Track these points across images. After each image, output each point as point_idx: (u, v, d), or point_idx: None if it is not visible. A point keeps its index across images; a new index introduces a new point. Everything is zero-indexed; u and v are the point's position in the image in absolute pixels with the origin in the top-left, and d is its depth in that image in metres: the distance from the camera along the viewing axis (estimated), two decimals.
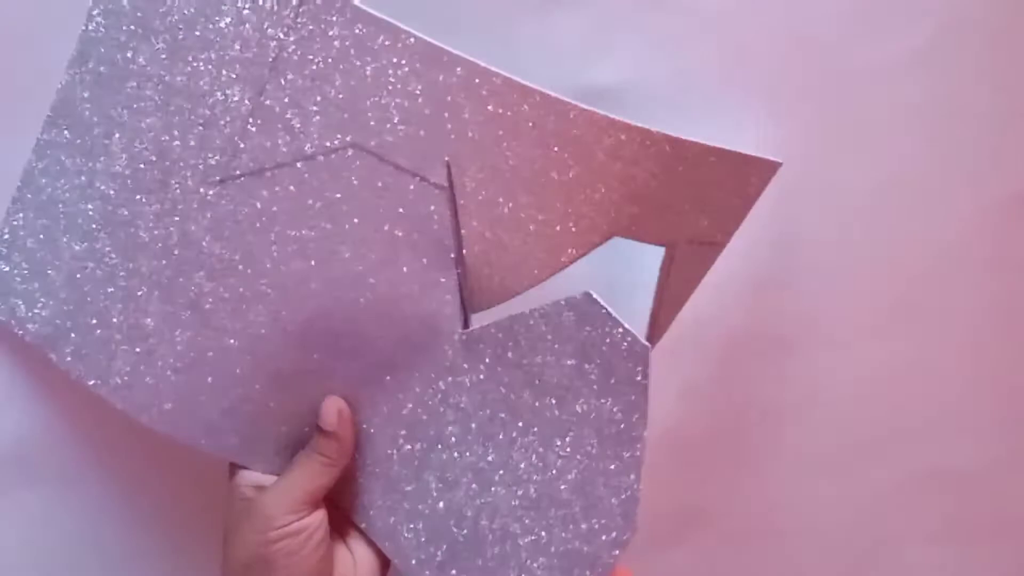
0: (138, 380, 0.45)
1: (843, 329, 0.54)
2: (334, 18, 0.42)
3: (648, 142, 0.44)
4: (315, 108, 0.43)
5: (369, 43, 0.42)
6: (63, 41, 0.44)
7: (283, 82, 0.43)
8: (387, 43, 0.42)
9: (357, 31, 0.42)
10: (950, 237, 0.54)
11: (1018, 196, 0.53)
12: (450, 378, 0.45)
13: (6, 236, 0.45)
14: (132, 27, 0.43)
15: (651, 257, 0.47)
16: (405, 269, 0.44)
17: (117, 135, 0.44)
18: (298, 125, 0.43)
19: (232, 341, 0.45)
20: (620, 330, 0.43)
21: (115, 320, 0.45)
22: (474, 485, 0.45)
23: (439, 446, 0.45)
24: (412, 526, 0.46)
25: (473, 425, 0.45)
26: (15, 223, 0.45)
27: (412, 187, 0.44)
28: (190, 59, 0.43)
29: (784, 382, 0.55)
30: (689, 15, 0.48)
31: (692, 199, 0.46)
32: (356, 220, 0.44)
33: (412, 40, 0.42)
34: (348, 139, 0.43)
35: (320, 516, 0.44)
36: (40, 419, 0.49)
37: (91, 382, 0.45)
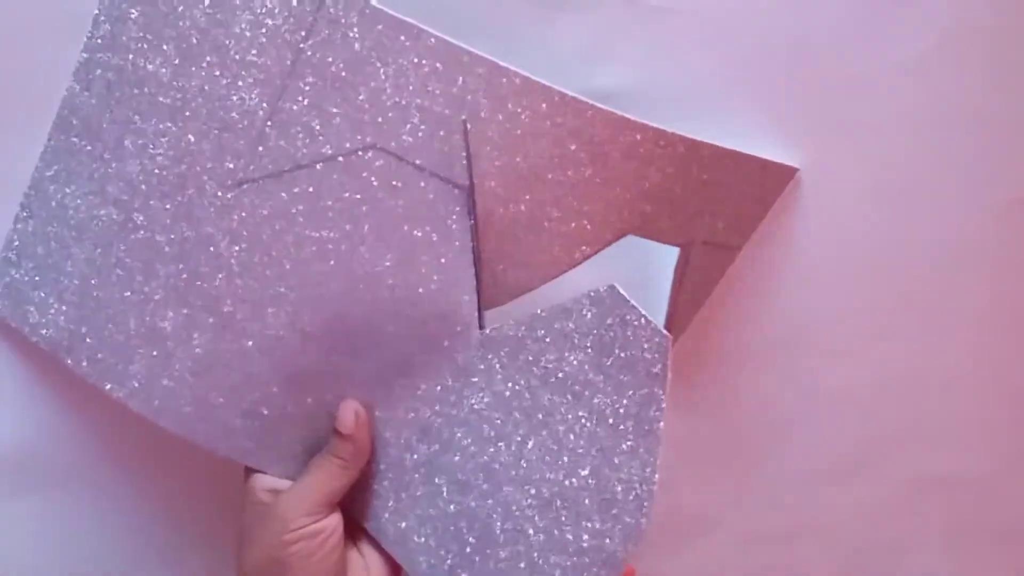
0: (156, 384, 0.44)
1: (846, 334, 0.55)
2: (354, 19, 0.43)
3: (663, 142, 0.45)
4: (335, 110, 0.43)
5: (389, 44, 0.43)
6: (69, 45, 0.44)
7: (302, 85, 0.43)
8: (407, 44, 0.43)
9: (377, 32, 0.43)
10: (953, 242, 0.54)
11: (1021, 201, 0.54)
12: (465, 379, 0.45)
13: (16, 243, 0.45)
14: (141, 34, 0.43)
15: (668, 258, 0.48)
16: (423, 269, 0.44)
17: (128, 140, 0.44)
18: (317, 127, 0.43)
19: (250, 343, 0.44)
20: (643, 322, 0.44)
21: (132, 324, 0.44)
22: (486, 486, 0.45)
23: (452, 449, 0.45)
24: (423, 530, 0.46)
25: (486, 427, 0.45)
26: (25, 230, 0.45)
27: (431, 187, 0.44)
28: (204, 64, 0.43)
29: (787, 387, 0.55)
30: (692, 19, 0.49)
31: (706, 201, 0.47)
32: (375, 221, 0.44)
33: (432, 40, 0.43)
34: (368, 140, 0.43)
35: (336, 519, 0.44)
36: (44, 423, 0.49)
37: (107, 386, 0.44)
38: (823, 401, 0.56)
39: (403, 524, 0.46)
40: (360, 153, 0.44)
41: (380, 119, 0.43)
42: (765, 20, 0.49)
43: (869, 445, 0.57)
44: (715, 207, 0.47)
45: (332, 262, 0.44)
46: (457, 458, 0.45)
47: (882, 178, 0.52)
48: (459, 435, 0.45)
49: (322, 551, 0.43)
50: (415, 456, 0.46)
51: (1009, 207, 0.54)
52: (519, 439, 0.45)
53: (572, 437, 0.45)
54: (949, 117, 0.52)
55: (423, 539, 0.46)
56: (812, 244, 0.52)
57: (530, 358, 0.45)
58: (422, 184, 0.44)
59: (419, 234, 0.44)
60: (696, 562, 0.58)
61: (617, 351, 0.44)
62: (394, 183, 0.44)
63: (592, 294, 0.44)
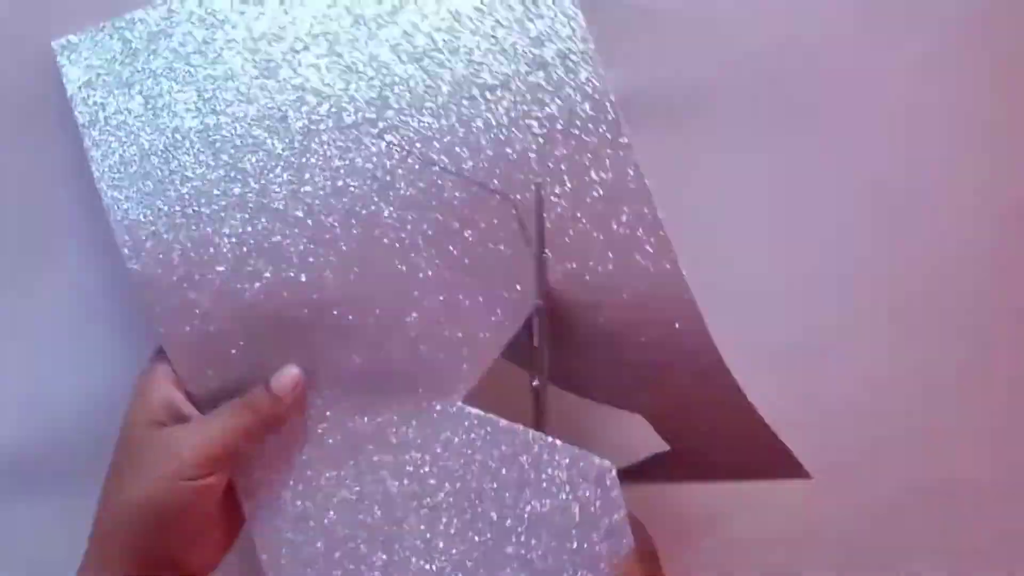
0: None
1: (846, 337, 0.54)
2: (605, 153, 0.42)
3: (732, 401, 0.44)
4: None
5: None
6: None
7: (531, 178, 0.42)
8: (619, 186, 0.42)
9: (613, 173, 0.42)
10: (953, 242, 0.54)
11: (1021, 201, 0.54)
12: (425, 437, 0.44)
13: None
14: None
15: None
16: (461, 328, 0.43)
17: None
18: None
19: (268, 274, 0.42)
20: (619, 514, 0.42)
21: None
22: (381, 539, 0.43)
23: (375, 498, 0.44)
24: (302, 536, 0.44)
25: (416, 488, 0.44)
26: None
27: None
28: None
29: (787, 390, 0.53)
30: (692, 20, 0.48)
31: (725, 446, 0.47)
32: (458, 257, 0.43)
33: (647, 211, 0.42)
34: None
35: (223, 479, 0.42)
36: (45, 423, 0.47)
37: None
38: (822, 403, 0.55)
39: (289, 534, 0.44)
40: (500, 202, 0.42)
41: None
42: (764, 21, 0.48)
43: (869, 448, 0.57)
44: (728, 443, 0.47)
45: (395, 256, 0.43)
46: (369, 504, 0.44)
47: (882, 178, 0.52)
48: (392, 492, 0.44)
49: (203, 507, 0.41)
50: (339, 495, 0.44)
51: (1009, 207, 0.54)
52: (440, 517, 0.43)
53: (491, 545, 0.43)
54: (951, 116, 0.52)
55: (286, 562, 0.44)
56: (814, 244, 0.52)
57: (491, 464, 0.43)
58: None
59: (481, 300, 0.43)
60: (696, 562, 0.57)
61: (581, 518, 0.42)
62: (492, 246, 0.43)
63: (588, 461, 0.42)
